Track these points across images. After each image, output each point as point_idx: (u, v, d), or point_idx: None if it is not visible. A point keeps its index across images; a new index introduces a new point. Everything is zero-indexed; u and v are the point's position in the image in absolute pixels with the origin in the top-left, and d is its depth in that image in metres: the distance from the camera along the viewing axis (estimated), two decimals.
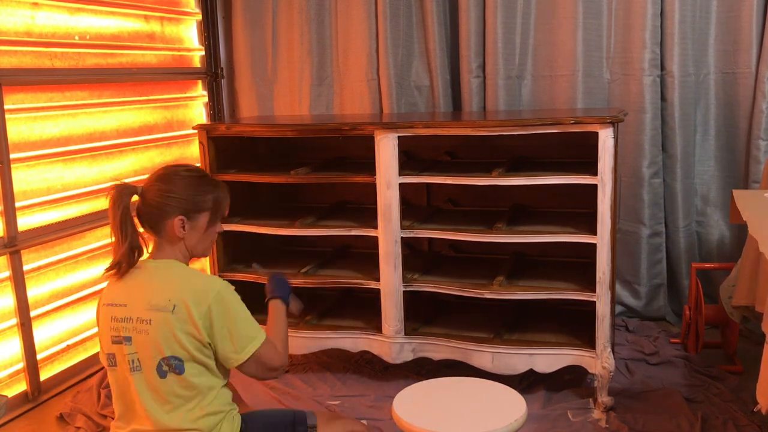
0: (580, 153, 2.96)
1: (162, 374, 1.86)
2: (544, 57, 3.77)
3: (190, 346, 1.85)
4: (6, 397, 2.94)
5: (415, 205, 3.58)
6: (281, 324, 2.08)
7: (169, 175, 1.95)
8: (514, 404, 2.15)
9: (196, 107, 4.28)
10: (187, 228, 1.93)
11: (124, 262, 1.90)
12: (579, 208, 3.19)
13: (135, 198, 1.94)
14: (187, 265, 2.00)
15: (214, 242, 2.07)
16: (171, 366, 1.85)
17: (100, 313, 1.95)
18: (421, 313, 3.29)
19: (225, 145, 3.31)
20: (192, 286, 1.88)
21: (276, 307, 2.12)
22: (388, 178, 2.96)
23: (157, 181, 1.94)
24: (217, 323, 1.86)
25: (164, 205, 1.90)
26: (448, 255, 3.60)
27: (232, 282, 3.36)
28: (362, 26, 3.97)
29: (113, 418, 2.81)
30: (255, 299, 2.24)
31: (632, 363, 3.25)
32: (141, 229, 1.95)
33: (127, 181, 2.00)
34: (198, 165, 2.05)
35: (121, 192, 1.90)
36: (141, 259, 1.94)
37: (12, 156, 3.00)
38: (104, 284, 1.97)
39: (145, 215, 1.94)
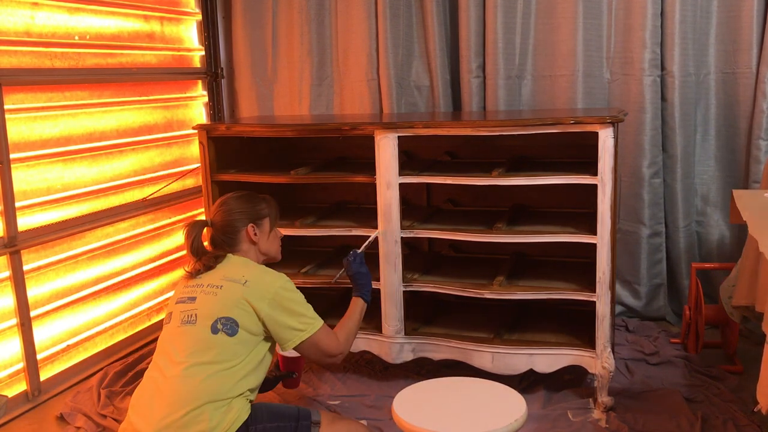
0: (580, 153, 2.96)
1: (214, 330, 2.10)
2: (544, 57, 3.77)
3: (247, 316, 2.12)
4: (6, 397, 2.94)
5: (415, 205, 3.58)
6: (354, 320, 2.43)
7: (225, 201, 2.35)
8: (514, 404, 2.15)
9: (196, 107, 4.28)
10: (258, 233, 2.33)
11: (197, 271, 2.24)
12: (579, 208, 3.19)
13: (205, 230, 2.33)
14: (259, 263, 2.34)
15: (280, 246, 2.43)
16: (226, 326, 2.10)
17: (178, 283, 2.31)
18: (421, 313, 3.29)
19: (225, 145, 3.31)
20: (263, 274, 2.22)
21: (356, 304, 2.50)
22: (388, 178, 2.96)
23: (219, 207, 2.34)
24: (282, 306, 2.16)
25: (233, 221, 2.30)
26: (448, 255, 3.60)
27: None
28: (362, 26, 3.97)
29: (113, 418, 2.83)
30: None
31: (632, 363, 3.25)
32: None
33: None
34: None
35: (193, 226, 2.30)
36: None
37: (12, 156, 3.00)
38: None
39: (219, 237, 2.31)
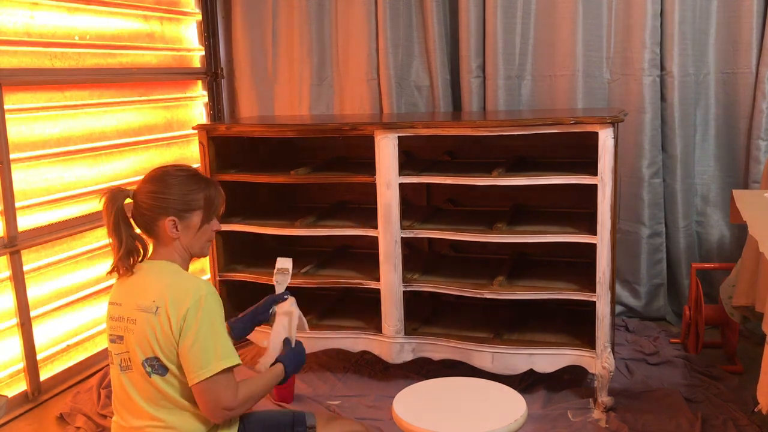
0: (580, 153, 2.96)
1: (148, 373, 1.84)
2: (544, 57, 3.77)
3: (167, 349, 1.81)
4: (6, 397, 2.94)
5: (415, 205, 3.58)
6: (263, 383, 1.97)
7: (158, 176, 1.94)
8: (514, 404, 2.15)
9: (196, 107, 4.28)
10: (180, 228, 1.92)
11: (121, 266, 1.91)
12: (579, 208, 3.19)
13: (128, 201, 1.95)
14: (186, 266, 1.98)
15: (212, 241, 2.04)
16: (154, 366, 1.83)
17: (107, 311, 1.96)
18: (421, 313, 3.29)
19: (225, 145, 3.31)
20: (176, 288, 1.84)
21: (275, 371, 2.01)
22: (388, 178, 2.96)
23: (146, 182, 1.94)
24: (189, 331, 1.78)
25: (154, 206, 1.91)
26: (448, 255, 3.60)
27: (232, 282, 3.39)
28: (362, 26, 3.97)
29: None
30: (255, 299, 2.24)
31: (632, 363, 3.25)
32: (138, 232, 1.95)
33: (122, 183, 2.01)
34: (192, 166, 2.07)
35: (113, 196, 1.91)
36: (141, 260, 1.94)
37: (12, 156, 3.00)
38: (106, 284, 1.99)
39: (138, 218, 1.94)
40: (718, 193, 3.71)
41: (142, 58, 3.80)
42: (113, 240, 1.91)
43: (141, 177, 1.99)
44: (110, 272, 1.94)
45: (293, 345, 2.08)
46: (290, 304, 2.14)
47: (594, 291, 2.80)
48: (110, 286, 3.54)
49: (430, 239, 3.57)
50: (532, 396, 2.95)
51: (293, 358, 2.06)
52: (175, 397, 1.84)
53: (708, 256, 3.75)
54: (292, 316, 2.13)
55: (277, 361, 2.02)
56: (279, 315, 2.13)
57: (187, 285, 1.86)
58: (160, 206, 1.90)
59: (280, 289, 2.20)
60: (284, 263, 2.26)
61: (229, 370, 1.82)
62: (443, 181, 3.01)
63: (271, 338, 2.09)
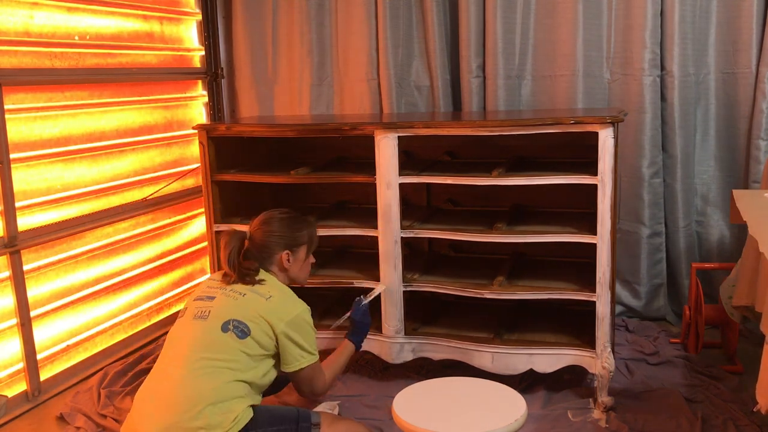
0: (580, 153, 2.96)
1: (224, 329, 2.14)
2: (544, 57, 3.77)
3: (260, 330, 2.17)
4: (6, 397, 2.94)
5: (415, 205, 3.58)
6: (341, 363, 2.57)
7: (269, 219, 2.41)
8: (514, 404, 2.15)
9: (196, 107, 4.28)
10: (291, 260, 2.40)
11: (230, 282, 2.31)
12: (579, 208, 3.19)
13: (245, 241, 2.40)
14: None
15: (309, 272, 2.53)
16: (237, 328, 2.15)
17: (200, 284, 2.41)
18: (421, 313, 3.29)
19: (225, 145, 3.31)
20: (287, 297, 2.31)
21: (346, 348, 2.64)
22: (388, 178, 2.96)
23: (261, 225, 2.40)
24: (292, 333, 2.23)
25: (271, 243, 2.37)
26: (448, 255, 3.60)
27: None
28: (362, 26, 3.97)
29: (113, 418, 2.83)
30: None
31: (632, 363, 3.24)
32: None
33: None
34: (291, 210, 2.59)
35: (232, 236, 2.36)
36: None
37: (12, 156, 3.00)
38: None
39: (255, 254, 2.36)
40: (718, 193, 3.71)
41: (142, 58, 3.80)
42: (228, 272, 2.33)
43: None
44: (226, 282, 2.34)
45: (362, 306, 2.74)
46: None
47: (594, 291, 2.80)
48: (111, 286, 3.56)
49: (430, 239, 3.57)
50: (532, 396, 2.95)
51: (360, 329, 2.71)
52: (231, 356, 2.12)
53: (708, 256, 3.75)
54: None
55: (346, 336, 2.68)
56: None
57: (295, 299, 2.33)
58: (276, 243, 2.37)
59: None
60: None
61: (320, 362, 2.36)
62: (443, 181, 3.01)
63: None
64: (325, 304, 3.47)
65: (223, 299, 2.23)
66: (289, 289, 2.36)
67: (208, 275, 2.47)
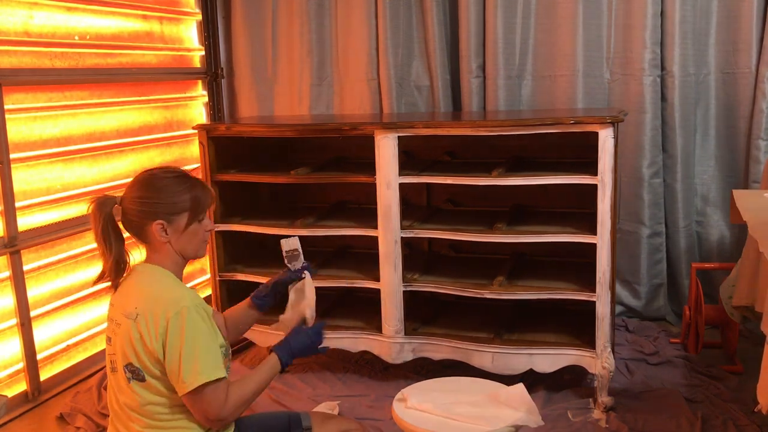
0: (580, 153, 2.96)
1: (128, 378, 1.81)
2: (544, 57, 3.77)
3: (145, 358, 1.78)
4: (6, 397, 2.94)
5: (415, 205, 3.58)
6: (255, 382, 1.88)
7: (143, 181, 1.92)
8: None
9: (196, 107, 4.28)
10: (170, 231, 1.89)
11: (109, 275, 1.90)
12: (579, 208, 3.19)
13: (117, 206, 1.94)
14: (180, 270, 1.94)
15: (207, 242, 1.99)
16: (134, 373, 1.80)
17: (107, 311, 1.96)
18: (421, 313, 3.29)
19: (225, 145, 3.31)
20: (160, 298, 1.81)
21: (268, 365, 1.93)
22: (388, 178, 2.96)
23: (132, 188, 1.91)
24: (171, 342, 1.75)
25: (141, 212, 1.88)
26: (448, 255, 3.60)
27: (232, 282, 3.39)
28: (362, 26, 3.97)
29: None
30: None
31: (632, 363, 3.25)
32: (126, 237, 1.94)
33: (122, 183, 2.00)
34: (178, 167, 2.03)
35: (101, 203, 1.90)
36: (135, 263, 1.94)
37: (12, 156, 3.00)
38: (106, 284, 1.99)
39: (127, 225, 1.93)
40: (718, 193, 3.71)
41: (142, 58, 3.80)
42: (102, 248, 1.90)
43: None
44: (97, 281, 1.92)
45: (308, 324, 2.07)
46: (305, 284, 2.12)
47: (594, 291, 2.80)
48: (111, 286, 3.55)
49: (430, 239, 3.56)
50: (532, 396, 2.94)
51: (297, 341, 2.00)
52: (157, 404, 1.80)
53: (708, 256, 3.75)
54: (306, 296, 2.11)
55: (272, 350, 1.96)
56: (293, 292, 2.13)
57: (169, 296, 1.81)
58: (147, 210, 1.88)
59: (295, 268, 2.16)
60: (291, 244, 2.17)
61: (214, 382, 1.75)
62: (443, 181, 3.01)
63: (283, 316, 2.11)
64: (325, 304, 3.46)
65: (114, 340, 1.85)
66: (166, 284, 1.87)
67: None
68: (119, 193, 1.94)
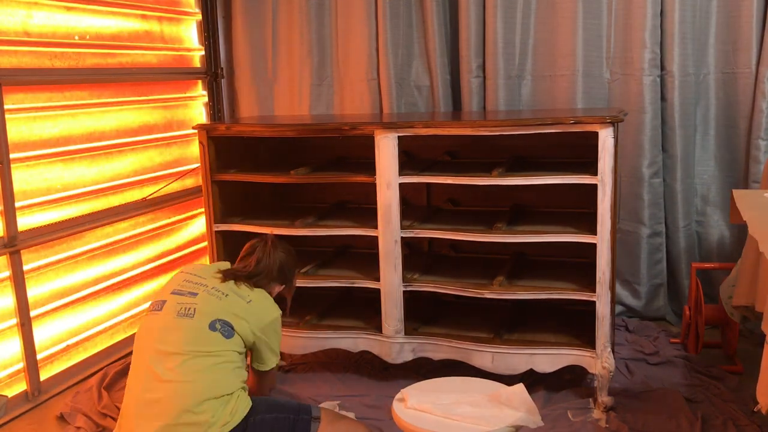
0: (580, 153, 2.96)
1: (212, 328, 2.15)
2: (544, 57, 3.77)
3: (242, 329, 2.19)
4: (6, 397, 2.94)
5: (415, 205, 3.58)
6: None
7: (291, 254, 2.52)
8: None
9: (196, 107, 4.28)
10: (280, 293, 2.49)
11: (235, 277, 2.36)
12: (579, 208, 3.19)
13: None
14: None
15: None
16: (224, 327, 2.17)
17: (174, 276, 2.37)
18: (421, 313, 3.29)
19: (225, 145, 3.31)
20: (265, 301, 2.35)
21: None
22: (388, 178, 2.96)
23: (278, 253, 2.45)
24: (269, 335, 2.30)
25: (275, 276, 2.43)
26: (448, 255, 3.60)
27: None
28: (362, 26, 3.97)
29: (113, 418, 2.83)
30: None
31: (632, 363, 3.25)
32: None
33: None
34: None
35: (278, 246, 2.46)
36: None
37: (12, 156, 3.00)
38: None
39: (258, 270, 2.39)
40: (718, 193, 3.71)
41: (142, 57, 3.80)
42: (252, 264, 2.40)
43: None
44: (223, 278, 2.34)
45: None
46: None
47: (594, 291, 2.80)
48: (111, 286, 3.56)
49: (430, 239, 3.57)
50: (532, 396, 2.94)
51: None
52: (222, 348, 2.13)
53: (708, 256, 3.75)
54: None
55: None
56: None
57: (272, 305, 2.37)
58: (277, 278, 2.44)
59: None
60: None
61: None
62: (443, 181, 3.01)
63: None
64: (325, 304, 3.47)
65: (207, 297, 2.22)
66: (268, 294, 2.40)
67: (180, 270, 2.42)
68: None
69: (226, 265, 2.44)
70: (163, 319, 2.17)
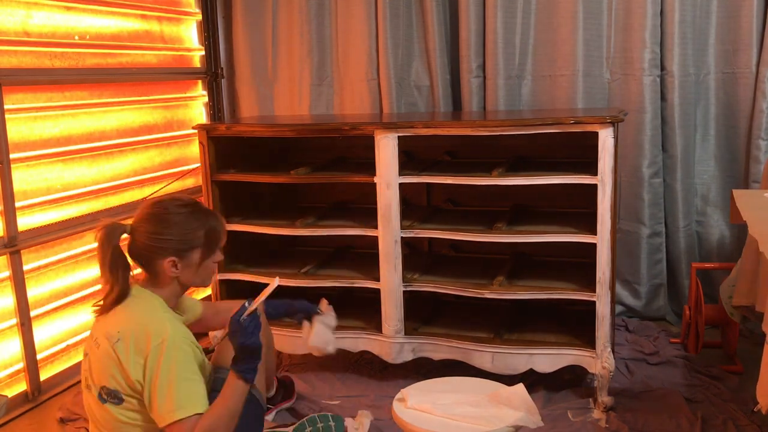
0: (580, 153, 2.96)
1: (102, 400, 1.83)
2: (544, 57, 3.77)
3: (122, 381, 1.80)
4: (6, 397, 2.94)
5: (415, 205, 3.58)
6: (227, 408, 1.81)
7: (156, 215, 1.90)
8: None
9: (196, 107, 4.28)
10: (180, 267, 1.89)
11: (111, 305, 1.89)
12: (579, 208, 3.19)
13: (125, 236, 1.92)
14: (174, 299, 1.93)
15: (215, 272, 2.02)
16: (110, 396, 1.81)
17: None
18: (421, 313, 3.29)
19: (225, 145, 3.31)
20: (142, 328, 1.80)
21: (233, 386, 1.85)
22: (388, 178, 2.96)
23: (144, 221, 1.90)
24: (149, 374, 1.76)
25: (153, 248, 1.87)
26: (448, 255, 3.60)
27: (232, 282, 3.38)
28: (362, 26, 3.97)
29: None
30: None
31: (632, 363, 3.24)
32: (132, 264, 1.93)
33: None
34: (190, 198, 2.01)
35: (109, 233, 1.87)
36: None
37: (12, 156, 3.00)
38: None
39: (134, 255, 1.91)
40: (718, 193, 3.71)
41: (142, 57, 3.80)
42: (107, 278, 1.86)
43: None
44: (100, 311, 1.90)
45: (242, 319, 1.86)
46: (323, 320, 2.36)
47: (594, 291, 2.80)
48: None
49: (430, 239, 3.57)
50: (532, 396, 2.93)
51: (242, 352, 1.86)
52: (132, 424, 1.82)
53: (708, 256, 3.75)
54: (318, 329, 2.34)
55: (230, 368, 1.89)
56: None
57: (152, 327, 1.80)
58: (160, 247, 1.86)
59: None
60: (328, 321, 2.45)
61: (186, 418, 1.75)
62: (443, 181, 3.01)
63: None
64: None
65: (91, 358, 1.87)
66: (153, 313, 1.86)
67: None
68: (127, 221, 1.92)
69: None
70: (83, 394, 1.95)
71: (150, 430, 1.83)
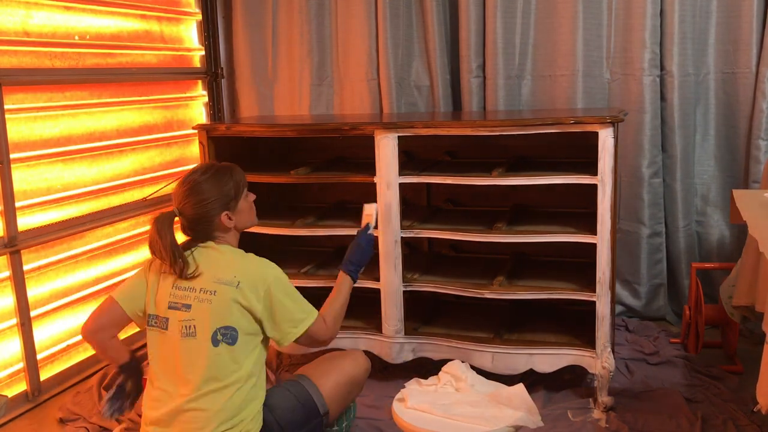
0: (580, 153, 2.96)
1: (215, 342, 2.04)
2: (544, 57, 3.77)
3: (244, 320, 2.07)
4: (6, 397, 2.94)
5: (415, 205, 3.58)
6: (341, 302, 2.38)
7: (192, 189, 2.17)
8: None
9: (196, 107, 4.28)
10: (233, 216, 2.21)
11: (180, 272, 2.11)
12: (579, 208, 3.19)
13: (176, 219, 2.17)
14: (237, 243, 2.26)
15: (254, 210, 2.33)
16: (226, 336, 2.05)
17: (160, 279, 2.14)
18: (421, 313, 3.29)
19: (225, 145, 3.31)
20: (253, 269, 2.13)
21: (345, 284, 2.44)
22: (388, 178, 2.96)
23: (186, 198, 2.16)
24: (276, 303, 2.10)
25: (205, 214, 2.16)
26: (448, 255, 3.60)
27: None
28: (362, 26, 3.97)
29: (113, 418, 2.81)
30: None
31: (632, 363, 3.25)
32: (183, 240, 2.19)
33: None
34: (205, 162, 2.36)
35: (163, 222, 2.12)
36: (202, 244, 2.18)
37: (12, 156, 3.00)
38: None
39: (194, 228, 2.19)
40: (718, 193, 3.71)
41: (142, 57, 3.80)
42: (171, 257, 2.10)
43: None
44: (180, 274, 2.11)
45: (370, 232, 2.59)
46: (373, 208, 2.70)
47: (594, 291, 2.80)
48: (110, 286, 3.55)
49: (430, 239, 3.57)
50: (532, 396, 2.94)
51: (355, 256, 2.50)
52: (231, 369, 2.04)
53: (708, 256, 3.75)
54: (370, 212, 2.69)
55: (341, 269, 2.46)
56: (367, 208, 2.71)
57: (260, 265, 2.16)
58: (212, 209, 2.16)
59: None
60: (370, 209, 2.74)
61: (317, 317, 2.20)
62: (443, 181, 3.01)
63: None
64: None
65: (199, 306, 2.07)
66: (249, 257, 2.19)
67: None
68: (168, 207, 2.19)
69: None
70: (171, 342, 2.09)
71: (254, 370, 2.09)
